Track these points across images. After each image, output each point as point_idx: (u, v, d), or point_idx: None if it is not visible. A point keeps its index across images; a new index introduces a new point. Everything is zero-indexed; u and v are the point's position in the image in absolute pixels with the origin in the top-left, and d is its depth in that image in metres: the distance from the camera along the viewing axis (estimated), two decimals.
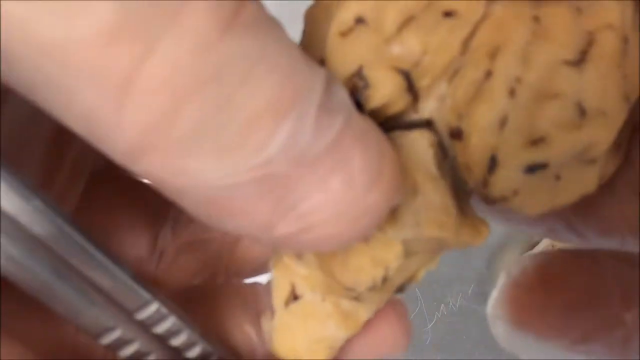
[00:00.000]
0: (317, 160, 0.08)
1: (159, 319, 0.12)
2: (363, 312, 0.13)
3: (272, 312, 0.13)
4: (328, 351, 0.12)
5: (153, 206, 0.15)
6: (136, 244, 0.14)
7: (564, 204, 0.12)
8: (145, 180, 0.11)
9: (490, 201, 0.11)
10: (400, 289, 0.13)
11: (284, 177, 0.08)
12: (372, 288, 0.11)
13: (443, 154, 0.11)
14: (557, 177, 0.11)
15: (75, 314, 0.11)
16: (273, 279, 0.13)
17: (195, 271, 0.15)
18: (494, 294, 0.17)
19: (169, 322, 0.12)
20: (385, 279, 0.11)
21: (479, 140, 0.11)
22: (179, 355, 0.12)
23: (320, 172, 0.08)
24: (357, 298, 0.12)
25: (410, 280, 0.13)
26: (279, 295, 0.13)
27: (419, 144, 0.11)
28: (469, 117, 0.10)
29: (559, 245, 0.42)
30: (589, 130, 0.10)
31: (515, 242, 0.43)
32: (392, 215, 0.11)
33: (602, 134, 0.10)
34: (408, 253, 0.12)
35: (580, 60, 0.10)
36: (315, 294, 0.12)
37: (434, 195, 0.11)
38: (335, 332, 0.12)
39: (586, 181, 0.11)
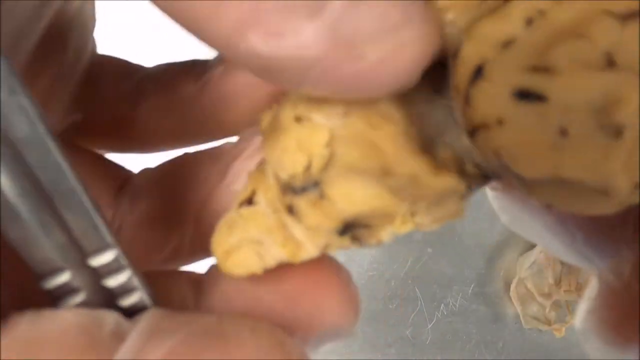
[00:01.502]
0: None
1: (114, 270, 0.11)
2: (307, 245, 0.11)
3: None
4: (255, 257, 0.12)
5: (111, 179, 0.15)
6: None
7: (572, 177, 0.09)
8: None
9: (472, 134, 0.10)
10: (379, 240, 0.12)
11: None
12: (293, 177, 0.11)
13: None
14: (563, 132, 0.09)
15: (28, 245, 0.10)
16: (244, 185, 0.12)
17: (155, 248, 0.14)
18: (584, 306, 0.14)
19: (123, 276, 0.11)
20: (308, 170, 0.11)
21: (471, 48, 0.09)
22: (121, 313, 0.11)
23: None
24: (300, 221, 0.11)
25: (380, 235, 0.12)
26: (238, 197, 0.12)
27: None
28: (472, 30, 0.09)
29: None
30: (614, 78, 0.08)
31: (515, 242, 0.43)
32: (327, 102, 0.10)
33: (630, 91, 0.08)
34: (351, 168, 0.11)
35: (628, 16, 0.08)
36: (268, 206, 0.11)
37: (385, 105, 0.10)
38: (270, 244, 0.11)
39: (605, 156, 0.09)
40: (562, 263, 0.43)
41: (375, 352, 0.43)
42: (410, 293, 0.43)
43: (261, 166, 0.12)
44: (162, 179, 0.15)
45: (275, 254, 0.11)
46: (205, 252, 0.13)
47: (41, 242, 0.10)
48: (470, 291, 0.43)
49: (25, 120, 0.09)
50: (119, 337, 0.10)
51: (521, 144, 0.09)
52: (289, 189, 0.11)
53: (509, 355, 0.43)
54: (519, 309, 0.42)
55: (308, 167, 0.11)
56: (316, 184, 0.11)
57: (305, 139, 0.11)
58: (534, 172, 0.09)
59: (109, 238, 0.10)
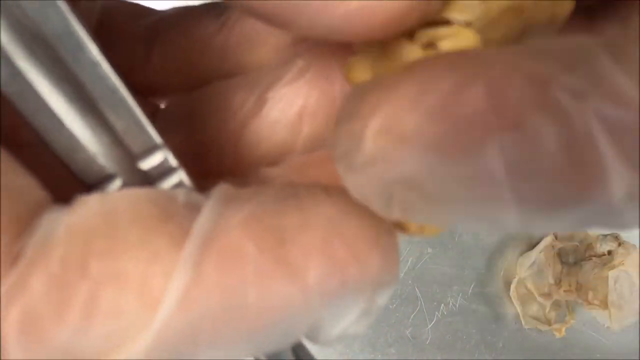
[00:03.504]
0: None
1: (165, 172, 0.10)
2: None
3: None
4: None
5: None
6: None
7: None
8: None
9: None
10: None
11: None
12: None
13: None
14: None
15: (76, 153, 0.09)
16: None
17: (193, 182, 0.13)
18: None
19: (175, 179, 0.10)
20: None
21: None
22: None
23: None
24: None
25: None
26: None
27: None
28: None
29: (560, 245, 0.42)
30: None
31: (515, 242, 0.43)
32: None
33: None
34: (487, 42, 0.10)
35: None
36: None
37: None
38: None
39: None
40: (562, 263, 0.43)
41: (375, 352, 0.43)
42: (410, 293, 0.43)
43: None
44: (193, 110, 0.14)
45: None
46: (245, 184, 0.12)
47: (89, 149, 0.09)
48: (470, 291, 0.43)
49: (57, 16, 0.08)
50: (193, 207, 0.09)
51: None
52: None
53: (509, 355, 0.43)
54: (519, 309, 0.42)
55: None
56: None
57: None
58: None
59: (156, 138, 0.10)
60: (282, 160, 0.13)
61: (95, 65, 0.09)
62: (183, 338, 0.09)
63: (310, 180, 0.11)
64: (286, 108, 0.13)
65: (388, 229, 0.10)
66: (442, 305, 0.43)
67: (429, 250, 0.43)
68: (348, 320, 0.10)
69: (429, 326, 0.43)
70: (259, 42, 0.13)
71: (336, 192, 0.10)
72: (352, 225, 0.09)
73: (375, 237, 0.09)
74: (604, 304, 0.41)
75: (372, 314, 0.10)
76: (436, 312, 0.43)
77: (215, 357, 0.09)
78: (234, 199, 0.09)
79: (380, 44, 0.11)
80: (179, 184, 0.10)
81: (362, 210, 0.09)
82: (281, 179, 0.11)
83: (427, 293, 0.43)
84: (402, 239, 0.46)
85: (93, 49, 0.09)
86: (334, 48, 0.13)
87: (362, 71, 0.11)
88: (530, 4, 0.10)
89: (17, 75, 0.09)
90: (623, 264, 0.40)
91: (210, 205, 0.09)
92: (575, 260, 0.43)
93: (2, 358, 0.08)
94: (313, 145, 0.13)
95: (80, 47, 0.09)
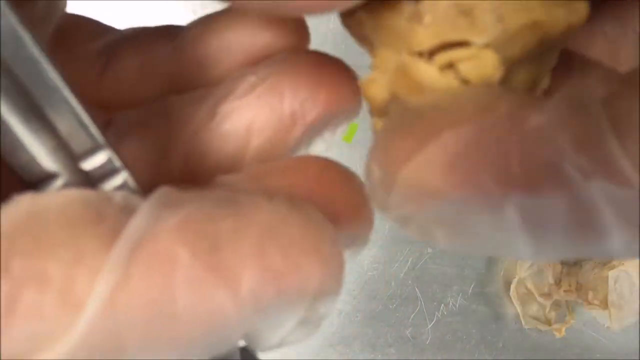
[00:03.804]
0: None
1: (108, 173, 0.10)
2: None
3: None
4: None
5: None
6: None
7: None
8: None
9: None
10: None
11: None
12: None
13: None
14: None
15: (18, 152, 0.09)
16: None
17: (142, 189, 0.12)
18: None
19: (118, 180, 0.10)
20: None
21: None
22: None
23: None
24: None
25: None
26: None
27: None
28: None
29: None
30: None
31: None
32: (469, 20, 0.10)
33: None
34: (506, 59, 0.10)
35: None
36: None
37: None
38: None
39: None
40: (562, 263, 0.43)
41: (375, 352, 0.43)
42: (410, 293, 0.43)
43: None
44: (146, 120, 0.14)
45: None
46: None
47: (30, 149, 0.09)
48: (470, 291, 0.43)
49: None
50: (130, 210, 0.09)
51: None
52: None
53: (509, 355, 0.43)
54: (519, 309, 0.42)
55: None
56: None
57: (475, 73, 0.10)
58: None
59: (99, 138, 0.10)
60: (233, 171, 0.13)
61: (36, 63, 0.09)
62: (108, 343, 0.08)
63: (264, 188, 0.11)
64: (236, 121, 0.13)
65: (332, 238, 0.10)
66: (442, 305, 0.43)
67: (429, 250, 0.43)
68: (286, 328, 0.10)
69: (429, 326, 0.43)
70: (212, 64, 0.14)
71: (279, 199, 0.10)
72: (291, 233, 0.09)
73: (315, 245, 0.09)
74: (604, 304, 0.41)
75: (315, 322, 0.10)
76: (436, 312, 0.43)
77: None
78: (172, 203, 0.09)
79: (397, 60, 0.11)
80: (123, 185, 0.10)
81: (304, 218, 0.09)
82: (235, 187, 0.11)
83: (427, 293, 0.43)
84: (402, 239, 0.46)
85: (34, 48, 0.09)
86: (285, 66, 0.13)
87: (380, 89, 0.12)
88: (546, 19, 0.10)
89: None
90: (623, 264, 0.40)
91: (145, 208, 0.09)
92: (575, 260, 0.43)
93: None
94: (262, 157, 0.13)
95: (21, 45, 0.09)
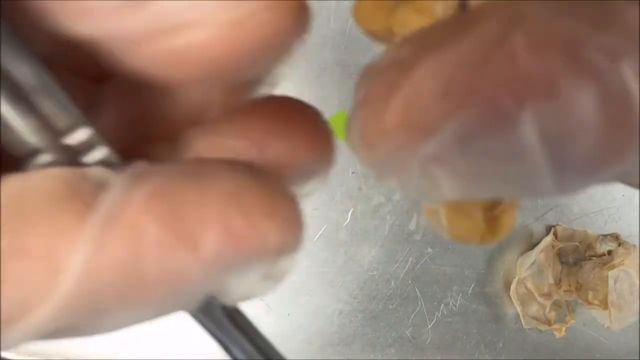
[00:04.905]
0: None
1: (88, 147, 0.11)
2: None
3: None
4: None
5: None
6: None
7: None
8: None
9: None
10: None
11: None
12: None
13: None
14: None
15: (1, 129, 0.10)
16: None
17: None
18: None
19: (99, 154, 0.11)
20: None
21: None
22: None
23: None
24: None
25: None
26: None
27: None
28: None
29: (560, 245, 0.42)
30: None
31: (515, 242, 0.43)
32: None
33: None
34: None
35: None
36: None
37: None
38: None
39: None
40: (562, 263, 0.43)
41: (375, 352, 0.43)
42: (410, 293, 0.43)
43: None
44: (125, 89, 0.14)
45: None
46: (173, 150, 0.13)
47: (17, 127, 0.10)
48: (470, 291, 0.43)
49: None
50: (103, 186, 0.10)
51: None
52: None
53: (509, 355, 0.43)
54: (519, 309, 0.42)
55: None
56: None
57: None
58: None
59: (79, 116, 0.11)
60: (201, 118, 0.13)
61: (17, 48, 0.10)
62: (88, 304, 0.09)
63: (226, 146, 0.12)
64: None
65: (287, 200, 0.10)
66: (442, 305, 0.43)
67: (429, 250, 0.43)
68: (250, 283, 0.11)
69: (429, 326, 0.43)
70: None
71: (240, 167, 0.11)
72: (250, 198, 0.10)
73: (272, 207, 0.10)
74: (604, 304, 0.41)
75: (277, 277, 0.11)
76: (436, 312, 0.43)
77: (121, 321, 0.10)
78: (142, 176, 0.10)
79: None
80: (105, 158, 0.11)
81: (263, 184, 0.10)
82: (201, 141, 0.12)
83: (427, 293, 0.43)
84: (402, 239, 0.46)
85: (9, 34, 0.09)
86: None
87: (373, 17, 0.12)
88: None
89: None
90: (623, 264, 0.40)
91: (118, 183, 0.10)
92: (575, 260, 0.43)
93: None
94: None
95: (6, 34, 0.09)
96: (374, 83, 0.09)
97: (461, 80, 0.08)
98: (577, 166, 0.08)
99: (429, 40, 0.09)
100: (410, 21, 0.11)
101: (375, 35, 0.13)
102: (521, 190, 0.09)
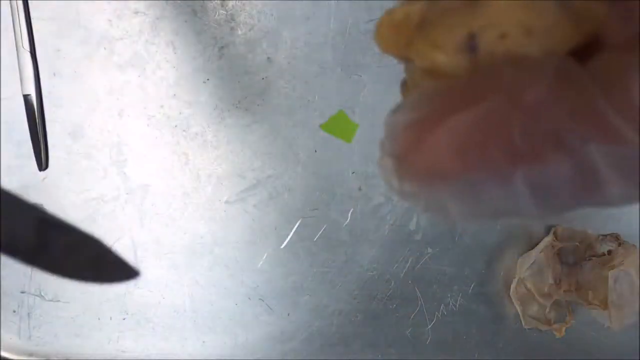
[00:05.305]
0: None
1: None
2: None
3: None
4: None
5: None
6: None
7: None
8: None
9: None
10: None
11: None
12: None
13: None
14: None
15: None
16: None
17: None
18: None
19: None
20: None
21: None
22: None
23: None
24: None
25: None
26: None
27: None
28: None
29: (560, 245, 0.42)
30: None
31: (515, 242, 0.43)
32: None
33: None
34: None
35: None
36: None
37: None
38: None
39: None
40: (562, 263, 0.43)
41: (375, 352, 0.43)
42: (410, 293, 0.43)
43: None
44: None
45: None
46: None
47: None
48: (470, 291, 0.43)
49: None
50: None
51: None
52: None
53: (509, 355, 0.43)
54: (519, 309, 0.42)
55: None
56: None
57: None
58: None
59: None
60: None
61: None
62: None
63: None
64: None
65: None
66: (442, 305, 0.43)
67: (429, 250, 0.43)
68: None
69: (429, 326, 0.43)
70: None
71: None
72: None
73: None
74: (604, 304, 0.41)
75: None
76: (436, 312, 0.43)
77: None
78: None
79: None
80: None
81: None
82: None
83: (427, 293, 0.43)
84: (402, 239, 0.46)
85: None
86: None
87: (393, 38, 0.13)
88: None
89: None
90: (623, 264, 0.40)
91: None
92: (575, 260, 0.43)
93: None
94: None
95: None
96: (405, 135, 0.12)
97: (472, 144, 0.11)
98: (556, 208, 0.11)
99: (445, 104, 0.12)
100: (426, 54, 0.13)
101: (394, 56, 0.14)
102: (514, 217, 0.12)
